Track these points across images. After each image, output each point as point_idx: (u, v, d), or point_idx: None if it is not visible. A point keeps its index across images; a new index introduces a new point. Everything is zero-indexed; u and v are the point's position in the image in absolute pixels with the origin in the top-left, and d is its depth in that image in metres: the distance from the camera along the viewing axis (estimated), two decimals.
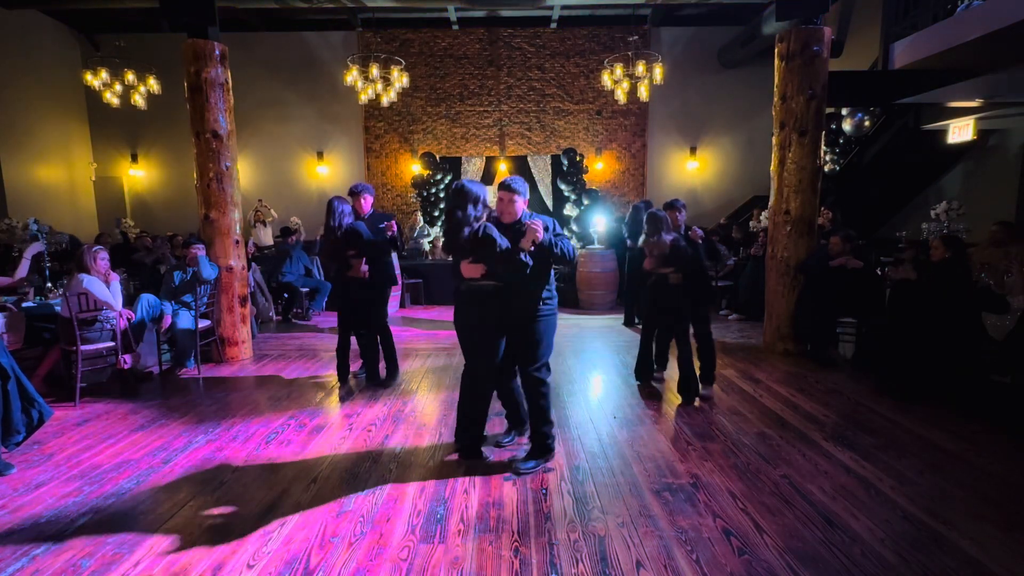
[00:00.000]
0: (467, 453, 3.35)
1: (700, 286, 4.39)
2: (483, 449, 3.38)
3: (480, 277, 3.07)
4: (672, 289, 4.24)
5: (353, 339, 4.89)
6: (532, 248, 2.99)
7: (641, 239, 4.34)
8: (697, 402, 4.29)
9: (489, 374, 3.25)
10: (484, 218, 3.11)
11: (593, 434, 3.68)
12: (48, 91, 9.87)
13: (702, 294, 4.42)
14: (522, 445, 3.43)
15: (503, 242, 2.98)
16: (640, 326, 6.86)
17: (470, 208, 3.06)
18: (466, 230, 3.02)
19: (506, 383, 3.45)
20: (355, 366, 5.01)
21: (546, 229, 3.06)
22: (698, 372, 4.42)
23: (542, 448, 3.24)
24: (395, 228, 4.68)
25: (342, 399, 4.46)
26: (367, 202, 4.77)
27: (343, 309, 4.74)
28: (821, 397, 4.34)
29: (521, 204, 3.16)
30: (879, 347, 4.67)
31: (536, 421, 3.23)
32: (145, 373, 5.04)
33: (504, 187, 3.14)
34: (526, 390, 3.25)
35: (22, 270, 4.57)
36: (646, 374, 4.74)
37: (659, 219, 4.23)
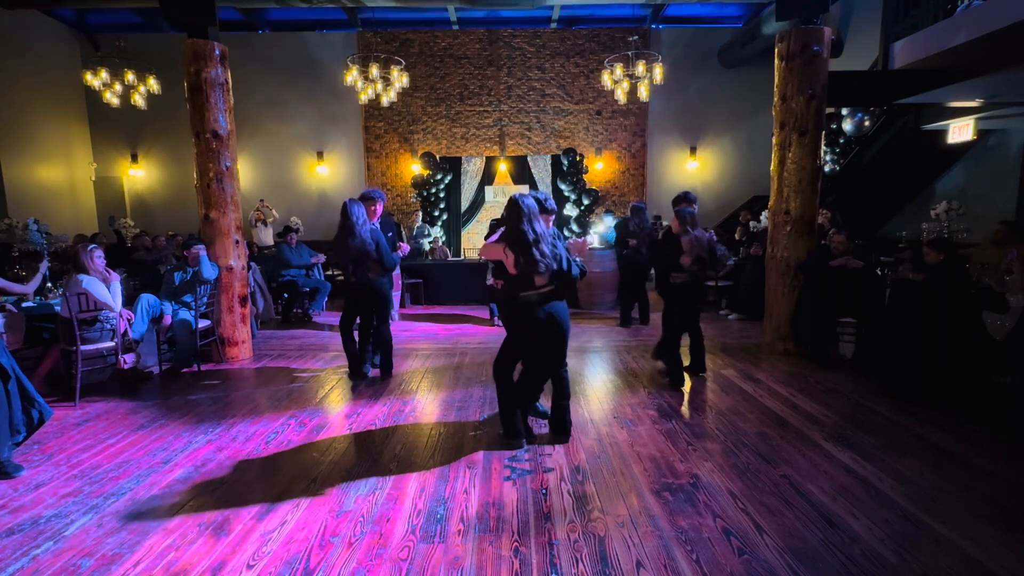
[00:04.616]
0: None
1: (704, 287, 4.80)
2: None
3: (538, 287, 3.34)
4: (684, 288, 4.54)
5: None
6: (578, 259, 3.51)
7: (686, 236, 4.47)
8: (660, 362, 4.81)
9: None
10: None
11: (593, 434, 3.68)
12: (48, 91, 9.87)
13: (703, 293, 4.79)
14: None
15: (575, 269, 3.42)
16: (631, 327, 6.94)
17: (533, 225, 3.25)
18: (544, 248, 3.24)
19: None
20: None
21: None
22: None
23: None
24: (406, 249, 5.41)
25: (342, 399, 4.46)
26: (380, 209, 4.99)
27: (364, 309, 4.83)
28: (821, 397, 4.34)
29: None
30: (879, 347, 4.67)
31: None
32: (145, 373, 5.05)
33: (547, 211, 3.49)
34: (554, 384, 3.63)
35: (35, 282, 4.71)
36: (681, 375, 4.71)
37: (691, 216, 4.48)
